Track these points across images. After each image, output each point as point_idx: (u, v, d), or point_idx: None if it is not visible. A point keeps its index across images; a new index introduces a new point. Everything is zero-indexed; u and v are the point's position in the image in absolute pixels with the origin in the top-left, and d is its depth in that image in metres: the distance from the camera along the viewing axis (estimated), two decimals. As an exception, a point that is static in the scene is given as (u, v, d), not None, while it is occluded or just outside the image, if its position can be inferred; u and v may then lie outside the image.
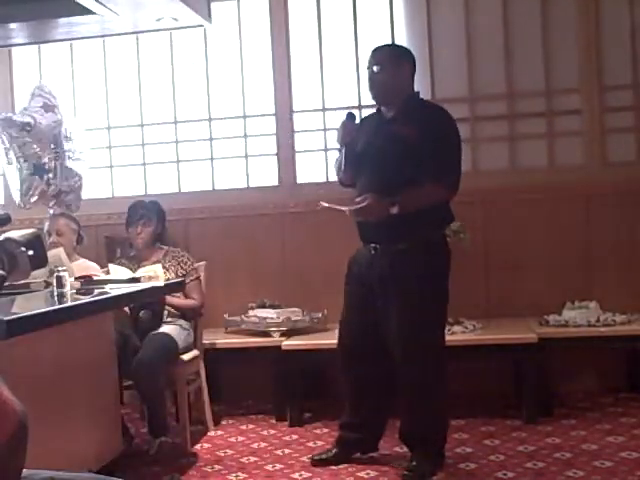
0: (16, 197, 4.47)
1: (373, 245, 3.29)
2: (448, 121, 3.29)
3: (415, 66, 3.37)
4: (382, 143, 3.26)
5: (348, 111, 3.40)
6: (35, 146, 4.36)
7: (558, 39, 4.61)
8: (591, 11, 4.55)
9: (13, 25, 4.17)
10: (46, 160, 4.38)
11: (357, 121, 3.41)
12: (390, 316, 3.25)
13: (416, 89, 4.79)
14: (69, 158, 4.45)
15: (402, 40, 4.77)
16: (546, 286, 4.45)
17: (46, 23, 4.17)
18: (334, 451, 3.46)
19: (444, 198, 3.26)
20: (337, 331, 3.56)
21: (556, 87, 4.63)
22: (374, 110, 3.51)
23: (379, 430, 3.49)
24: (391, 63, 3.30)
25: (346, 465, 3.41)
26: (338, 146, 3.40)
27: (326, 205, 3.25)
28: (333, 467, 3.40)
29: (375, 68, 3.28)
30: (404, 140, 3.20)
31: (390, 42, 3.43)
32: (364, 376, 3.39)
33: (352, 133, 3.29)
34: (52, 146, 4.37)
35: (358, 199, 3.17)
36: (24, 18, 4.04)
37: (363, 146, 3.32)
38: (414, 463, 3.25)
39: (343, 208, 3.19)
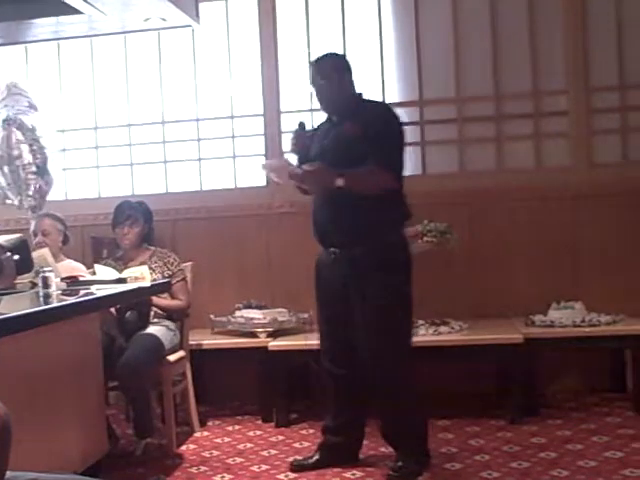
0: (16, 199, 4.44)
1: (332, 250, 3.31)
2: (388, 115, 3.33)
3: (352, 72, 3.41)
4: (329, 144, 3.30)
5: (299, 120, 3.48)
6: (35, 147, 4.37)
7: (545, 40, 4.63)
8: (578, 12, 4.56)
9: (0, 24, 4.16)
10: (38, 160, 4.38)
11: (308, 128, 3.49)
12: (354, 320, 3.26)
13: (405, 89, 4.82)
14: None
15: (390, 41, 4.80)
16: (532, 286, 4.47)
17: (33, 23, 4.16)
18: (315, 458, 3.45)
19: (390, 184, 3.19)
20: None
21: (543, 88, 4.65)
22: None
23: (359, 435, 3.49)
24: (335, 72, 3.35)
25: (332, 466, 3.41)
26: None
27: (268, 162, 3.30)
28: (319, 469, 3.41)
29: (322, 81, 3.33)
30: (347, 138, 3.23)
31: (330, 52, 3.54)
32: (341, 379, 3.39)
33: (303, 141, 3.38)
34: (37, 146, 4.37)
35: (306, 166, 3.20)
36: (11, 17, 4.02)
37: (315, 151, 3.36)
38: (399, 463, 3.26)
39: (291, 169, 3.25)
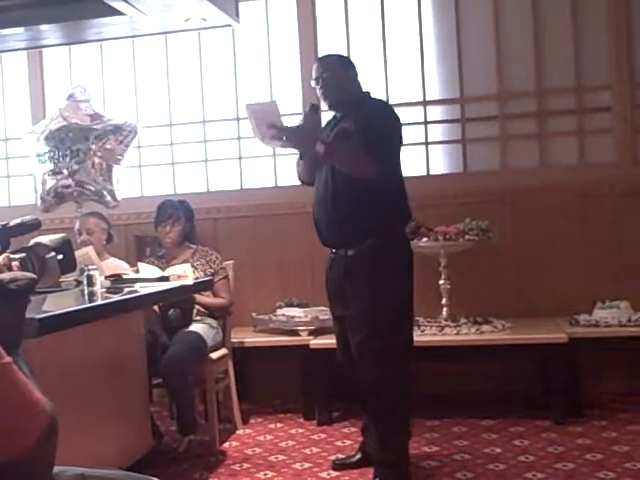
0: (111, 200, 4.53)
1: (332, 250, 3.30)
2: (383, 111, 3.27)
3: (357, 71, 3.38)
4: (327, 141, 3.22)
5: (311, 102, 3.38)
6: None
7: (588, 35, 4.56)
8: (621, 6, 4.49)
9: (44, 27, 4.22)
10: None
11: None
12: (348, 319, 3.23)
13: (446, 87, 4.78)
14: None
15: (430, 38, 4.77)
16: (576, 285, 4.40)
17: (76, 24, 4.21)
18: (357, 456, 3.44)
19: (371, 172, 3.02)
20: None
21: (587, 84, 4.58)
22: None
23: None
24: (340, 67, 3.34)
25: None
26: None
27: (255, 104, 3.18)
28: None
29: (325, 74, 3.29)
30: (344, 133, 3.19)
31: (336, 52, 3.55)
32: (354, 378, 3.33)
33: (313, 125, 3.22)
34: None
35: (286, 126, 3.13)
36: (55, 20, 4.08)
37: None
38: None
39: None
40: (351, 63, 3.42)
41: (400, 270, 3.19)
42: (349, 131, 3.17)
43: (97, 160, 4.41)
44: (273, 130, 3.09)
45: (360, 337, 3.15)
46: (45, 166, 4.46)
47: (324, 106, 3.39)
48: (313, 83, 3.34)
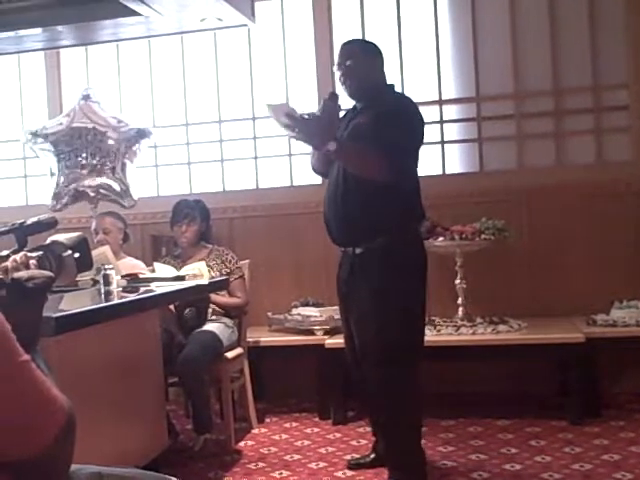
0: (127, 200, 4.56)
1: (342, 248, 3.27)
2: (405, 108, 3.14)
3: (383, 60, 3.26)
4: (343, 134, 3.14)
5: (331, 91, 3.22)
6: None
7: (606, 34, 4.53)
8: (639, 4, 4.46)
9: (61, 27, 4.24)
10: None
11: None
12: (353, 318, 3.20)
13: (462, 86, 4.76)
14: None
15: (446, 37, 4.75)
16: (593, 285, 4.38)
17: (93, 25, 4.23)
18: (372, 456, 3.43)
19: (382, 174, 2.94)
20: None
21: (603, 83, 4.55)
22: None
23: None
24: (364, 54, 3.20)
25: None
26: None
27: (272, 104, 3.02)
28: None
29: (348, 62, 3.16)
30: (359, 130, 3.09)
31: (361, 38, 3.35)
32: (363, 380, 3.28)
33: (331, 115, 3.04)
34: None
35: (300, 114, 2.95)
36: (71, 20, 4.10)
37: None
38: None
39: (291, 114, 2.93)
40: (377, 51, 3.24)
41: (410, 270, 3.10)
42: (365, 127, 3.07)
43: (126, 162, 4.46)
44: (288, 121, 2.95)
45: (365, 337, 3.10)
46: (61, 164, 4.49)
47: (344, 94, 3.21)
48: (335, 68, 3.24)
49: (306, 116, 2.95)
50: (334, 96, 3.06)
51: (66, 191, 4.48)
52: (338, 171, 3.17)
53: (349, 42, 3.31)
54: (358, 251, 3.14)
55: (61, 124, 4.53)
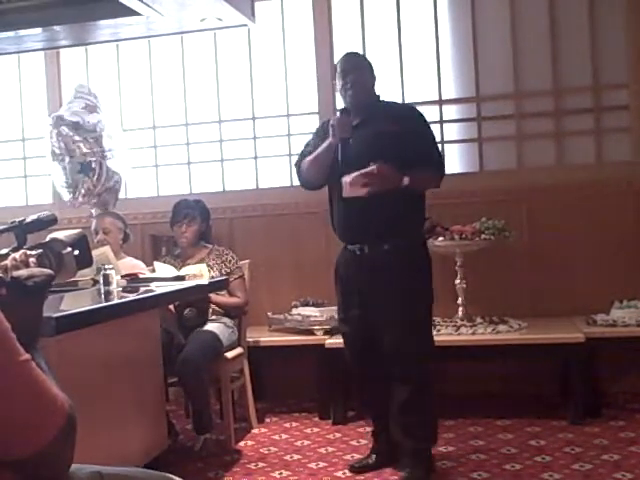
0: (65, 196, 4.57)
1: (358, 246, 3.27)
2: (424, 117, 3.37)
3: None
4: (364, 142, 3.20)
5: (342, 107, 3.33)
6: (82, 145, 4.45)
7: (606, 33, 4.53)
8: (638, 4, 4.45)
9: (61, 27, 4.24)
10: (93, 159, 4.47)
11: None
12: (380, 317, 3.23)
13: (462, 86, 4.79)
14: (110, 157, 4.55)
15: (446, 37, 4.75)
16: (593, 285, 4.38)
17: (93, 25, 4.23)
18: (373, 456, 3.42)
19: (437, 185, 3.33)
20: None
21: (604, 82, 4.55)
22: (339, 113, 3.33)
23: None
24: (368, 67, 3.36)
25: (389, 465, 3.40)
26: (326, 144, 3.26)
27: (349, 180, 3.12)
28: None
29: (357, 72, 3.29)
30: (389, 136, 3.19)
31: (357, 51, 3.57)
32: (372, 381, 3.38)
33: (350, 128, 3.21)
34: (96, 145, 4.46)
35: (369, 169, 3.07)
36: (71, 20, 4.10)
37: (342, 148, 3.23)
38: (408, 470, 3.21)
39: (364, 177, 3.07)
40: (371, 64, 3.43)
41: (429, 267, 3.32)
42: (391, 133, 3.18)
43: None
44: (363, 179, 3.09)
45: (397, 336, 3.19)
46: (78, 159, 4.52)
47: (342, 102, 3.37)
48: (338, 76, 3.31)
49: (372, 165, 3.07)
50: (346, 110, 3.25)
51: (85, 192, 4.51)
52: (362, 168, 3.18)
53: (354, 54, 3.49)
54: (383, 249, 3.21)
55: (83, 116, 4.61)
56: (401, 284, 3.19)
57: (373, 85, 3.36)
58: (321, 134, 3.39)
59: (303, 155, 3.42)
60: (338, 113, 3.27)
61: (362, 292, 3.28)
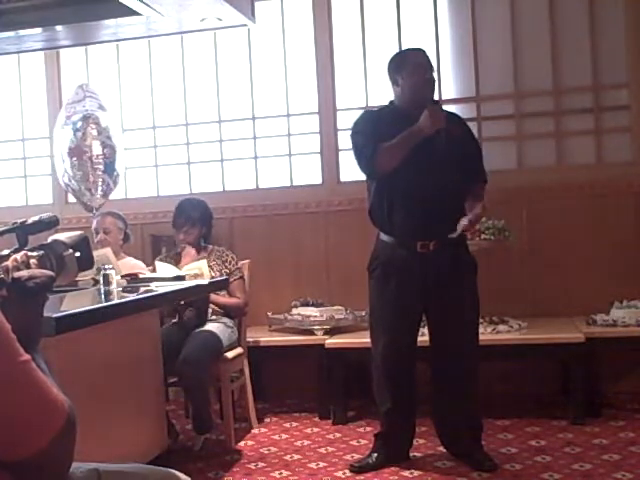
0: (84, 196, 4.56)
1: (421, 243, 3.26)
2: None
3: None
4: (442, 150, 3.24)
5: (433, 98, 3.36)
6: (102, 145, 4.51)
7: (606, 33, 4.53)
8: (639, 4, 4.45)
9: (61, 27, 4.24)
10: (110, 159, 4.52)
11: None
12: (444, 315, 3.31)
13: (462, 86, 4.79)
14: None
15: (446, 37, 4.75)
16: (593, 285, 4.37)
17: (93, 25, 4.23)
18: (374, 456, 3.41)
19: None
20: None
21: (604, 82, 4.55)
22: (386, 105, 3.46)
23: (412, 434, 3.50)
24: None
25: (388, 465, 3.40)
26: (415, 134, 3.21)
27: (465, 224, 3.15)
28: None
29: (433, 69, 3.36)
30: (457, 140, 3.30)
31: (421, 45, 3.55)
32: (407, 384, 3.39)
33: (444, 119, 3.20)
34: (110, 145, 4.52)
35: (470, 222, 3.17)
36: (72, 20, 4.10)
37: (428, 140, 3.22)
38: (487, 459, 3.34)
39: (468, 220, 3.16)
40: None
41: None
42: (458, 140, 3.30)
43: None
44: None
45: (464, 337, 3.34)
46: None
47: (399, 98, 3.37)
48: (412, 70, 3.28)
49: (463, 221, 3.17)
50: (435, 101, 3.40)
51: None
52: (434, 166, 3.22)
53: (424, 51, 3.44)
54: (456, 251, 3.32)
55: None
56: (467, 285, 3.34)
57: None
58: (376, 122, 3.32)
59: (367, 143, 3.24)
60: (432, 103, 3.26)
61: (426, 289, 3.28)
